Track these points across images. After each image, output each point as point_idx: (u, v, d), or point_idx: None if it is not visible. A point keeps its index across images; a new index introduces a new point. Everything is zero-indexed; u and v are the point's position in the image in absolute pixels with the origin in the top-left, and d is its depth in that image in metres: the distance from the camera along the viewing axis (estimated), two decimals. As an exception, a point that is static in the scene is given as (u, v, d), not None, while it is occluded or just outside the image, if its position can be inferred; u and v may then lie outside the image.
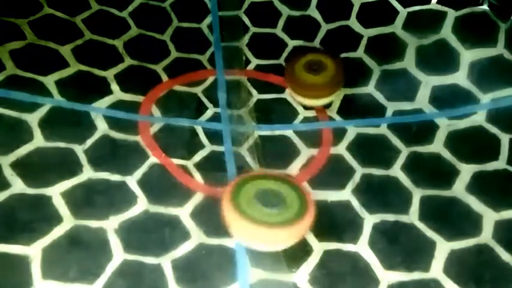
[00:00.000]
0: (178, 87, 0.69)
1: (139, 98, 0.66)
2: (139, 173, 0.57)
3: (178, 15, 0.79)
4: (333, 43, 0.77)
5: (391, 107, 0.68)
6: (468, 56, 0.70)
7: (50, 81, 0.63)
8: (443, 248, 0.52)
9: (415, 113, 0.68)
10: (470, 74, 0.69)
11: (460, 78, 0.69)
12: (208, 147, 0.62)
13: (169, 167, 0.58)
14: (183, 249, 0.51)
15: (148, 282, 0.47)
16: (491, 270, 0.50)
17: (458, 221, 0.55)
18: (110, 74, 0.67)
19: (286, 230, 0.47)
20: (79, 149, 0.57)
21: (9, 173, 0.52)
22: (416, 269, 0.51)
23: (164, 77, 0.70)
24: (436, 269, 0.51)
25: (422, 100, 0.69)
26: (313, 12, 0.81)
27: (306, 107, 0.69)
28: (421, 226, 0.54)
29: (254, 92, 0.71)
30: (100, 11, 0.75)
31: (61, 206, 0.51)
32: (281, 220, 0.48)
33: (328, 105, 0.69)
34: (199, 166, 0.59)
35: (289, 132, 0.65)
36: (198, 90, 0.69)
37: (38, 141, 0.56)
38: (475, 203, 0.56)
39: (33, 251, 0.47)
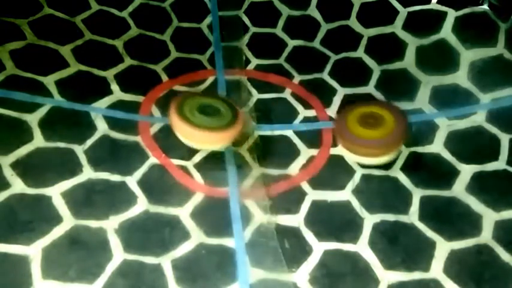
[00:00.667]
0: (178, 87, 0.69)
1: (139, 98, 0.66)
2: (139, 173, 0.57)
3: (178, 15, 0.79)
4: (333, 43, 0.77)
5: (391, 107, 0.68)
6: (468, 56, 0.70)
7: (50, 81, 0.63)
8: (443, 248, 0.52)
9: (415, 112, 0.68)
10: (470, 74, 0.69)
11: (460, 78, 0.69)
12: (208, 148, 0.62)
13: (169, 167, 0.58)
14: (183, 249, 0.51)
15: (148, 282, 0.47)
16: (491, 270, 0.50)
17: (458, 221, 0.55)
18: (109, 74, 0.67)
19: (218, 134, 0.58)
20: (79, 149, 0.57)
21: (9, 173, 0.52)
22: (416, 269, 0.51)
23: (164, 77, 0.70)
24: (436, 269, 0.51)
25: (422, 100, 0.69)
26: (313, 12, 0.81)
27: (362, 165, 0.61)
28: (421, 226, 0.54)
29: (254, 92, 0.71)
30: (100, 11, 0.75)
31: (61, 206, 0.51)
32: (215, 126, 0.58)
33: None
34: (199, 166, 0.59)
35: (289, 132, 0.65)
36: (198, 90, 0.69)
37: (38, 141, 0.56)
38: (475, 203, 0.56)
39: (33, 251, 0.47)
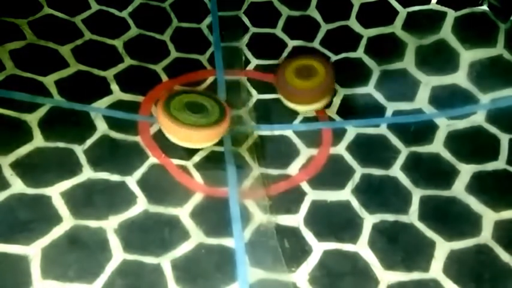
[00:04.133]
0: (178, 87, 0.69)
1: (139, 98, 0.66)
2: (138, 173, 0.57)
3: (178, 15, 0.79)
4: (333, 43, 0.77)
5: (391, 107, 0.68)
6: (468, 56, 0.70)
7: (49, 81, 0.63)
8: (443, 248, 0.52)
9: (415, 113, 0.68)
10: (470, 74, 0.69)
11: (460, 78, 0.69)
12: (208, 147, 0.62)
13: (169, 167, 0.58)
14: (182, 249, 0.51)
15: (148, 282, 0.47)
16: (490, 270, 0.50)
17: (458, 221, 0.55)
18: (109, 74, 0.67)
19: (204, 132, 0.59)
20: (79, 149, 0.57)
21: (9, 173, 0.52)
22: (416, 269, 0.51)
23: (164, 77, 0.70)
24: (436, 269, 0.51)
25: (422, 100, 0.69)
26: (313, 12, 0.81)
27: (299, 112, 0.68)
28: (421, 226, 0.54)
29: (254, 92, 0.71)
30: (100, 11, 0.75)
31: (61, 206, 0.51)
32: (202, 123, 0.59)
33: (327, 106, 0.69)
34: (199, 166, 0.59)
35: (289, 132, 0.65)
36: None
37: (38, 141, 0.56)
38: (474, 203, 0.56)
39: (33, 251, 0.47)
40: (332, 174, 0.60)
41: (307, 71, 0.67)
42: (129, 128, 0.61)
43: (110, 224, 0.51)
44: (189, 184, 0.57)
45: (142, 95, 0.66)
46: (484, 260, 0.51)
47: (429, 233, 0.54)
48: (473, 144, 0.63)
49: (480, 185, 0.58)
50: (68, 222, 0.50)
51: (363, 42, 0.76)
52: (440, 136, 0.64)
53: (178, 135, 0.59)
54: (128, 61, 0.70)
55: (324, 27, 0.79)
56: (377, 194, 0.58)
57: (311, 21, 0.80)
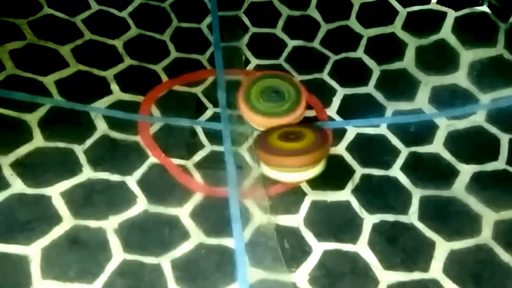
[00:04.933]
0: (178, 87, 0.69)
1: (139, 98, 0.66)
2: (139, 173, 0.57)
3: (178, 15, 0.79)
4: (333, 43, 0.77)
5: (391, 107, 0.68)
6: (468, 56, 0.70)
7: (49, 81, 0.63)
8: (443, 248, 0.52)
9: (415, 113, 0.68)
10: (469, 74, 0.69)
11: (460, 78, 0.69)
12: (208, 147, 0.62)
13: (169, 167, 0.58)
14: (182, 249, 0.51)
15: (148, 282, 0.47)
16: (490, 270, 0.51)
17: (458, 221, 0.55)
18: (109, 74, 0.67)
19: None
20: (79, 149, 0.57)
21: (9, 173, 0.53)
22: (416, 269, 0.51)
23: (164, 77, 0.70)
24: (436, 269, 0.51)
25: (422, 100, 0.69)
26: (313, 12, 0.81)
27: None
28: (421, 226, 0.55)
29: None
30: (100, 11, 0.75)
31: (61, 206, 0.51)
32: (279, 111, 0.63)
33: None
34: (199, 166, 0.59)
35: (289, 132, 0.65)
36: (197, 90, 0.69)
37: (38, 141, 0.56)
38: (474, 203, 0.56)
39: (33, 251, 0.47)
40: (332, 174, 0.60)
41: (294, 135, 0.59)
42: (129, 127, 0.61)
43: (110, 224, 0.51)
44: (189, 184, 0.57)
45: (142, 95, 0.66)
46: (483, 260, 0.51)
47: (429, 233, 0.54)
48: (473, 144, 0.63)
49: (480, 185, 0.58)
50: (68, 222, 0.50)
51: (363, 42, 0.76)
52: (440, 136, 0.64)
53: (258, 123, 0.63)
54: (128, 61, 0.70)
55: (324, 27, 0.79)
56: (377, 194, 0.58)
57: (311, 21, 0.80)
